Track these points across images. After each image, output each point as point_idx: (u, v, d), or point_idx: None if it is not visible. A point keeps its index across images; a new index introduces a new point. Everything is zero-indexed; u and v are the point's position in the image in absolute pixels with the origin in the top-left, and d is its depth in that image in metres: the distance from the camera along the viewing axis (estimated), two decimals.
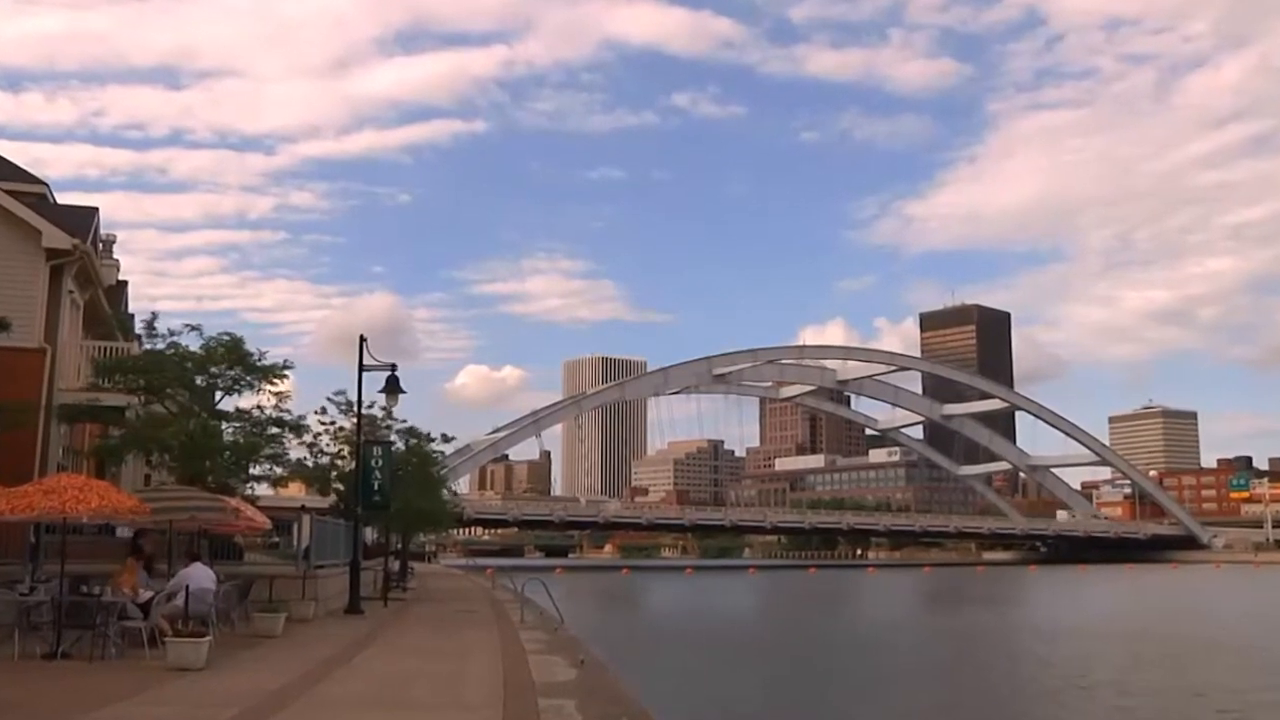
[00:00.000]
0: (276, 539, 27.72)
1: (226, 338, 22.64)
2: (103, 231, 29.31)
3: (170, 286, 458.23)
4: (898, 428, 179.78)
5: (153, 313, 23.88)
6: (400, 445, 35.30)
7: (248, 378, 22.57)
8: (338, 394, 31.85)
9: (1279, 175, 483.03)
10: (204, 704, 10.33)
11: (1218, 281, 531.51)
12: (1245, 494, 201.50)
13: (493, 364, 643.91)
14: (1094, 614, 44.94)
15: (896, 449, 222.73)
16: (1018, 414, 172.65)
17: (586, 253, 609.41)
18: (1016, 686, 22.16)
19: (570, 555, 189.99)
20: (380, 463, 26.37)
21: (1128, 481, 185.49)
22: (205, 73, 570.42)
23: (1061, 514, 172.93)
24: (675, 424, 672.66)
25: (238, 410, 23.22)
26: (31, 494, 13.00)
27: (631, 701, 11.51)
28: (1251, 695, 20.22)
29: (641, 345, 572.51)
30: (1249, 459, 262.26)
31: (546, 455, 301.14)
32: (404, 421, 36.79)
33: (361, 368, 23.43)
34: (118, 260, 33.22)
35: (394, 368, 23.77)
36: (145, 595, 14.58)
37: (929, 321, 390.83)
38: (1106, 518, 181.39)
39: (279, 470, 24.62)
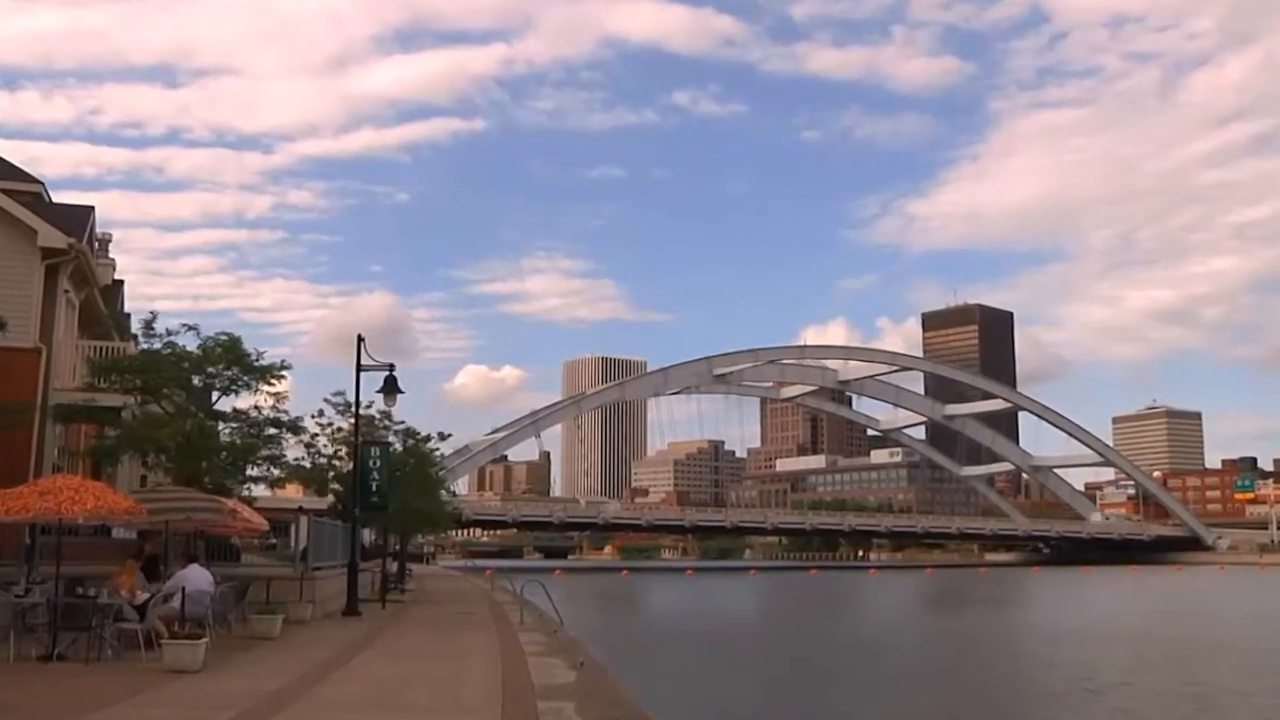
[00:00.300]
0: (274, 540, 27.59)
1: (224, 337, 22.49)
2: (99, 230, 29.19)
3: (167, 286, 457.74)
4: (899, 428, 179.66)
5: (152, 312, 23.73)
6: (398, 446, 35.23)
7: (245, 378, 22.42)
8: (336, 395, 31.79)
9: None
10: (200, 706, 10.29)
11: (1221, 281, 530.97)
12: (1250, 495, 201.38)
13: (492, 364, 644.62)
14: (1097, 616, 44.85)
15: (898, 449, 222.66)
16: (1020, 414, 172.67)
17: (586, 252, 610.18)
18: (1019, 688, 22.07)
19: (570, 557, 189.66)
20: (378, 463, 26.34)
21: (1131, 482, 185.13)
22: (202, 71, 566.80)
23: (1095, 516, 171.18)
24: (675, 424, 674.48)
25: (235, 411, 23.09)
26: (27, 495, 12.94)
27: (631, 704, 11.43)
28: (1256, 698, 20.17)
29: (641, 345, 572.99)
30: (1254, 460, 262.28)
31: (546, 456, 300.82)
32: (402, 422, 36.80)
33: (359, 368, 23.37)
34: (114, 259, 33.08)
35: (392, 368, 23.72)
36: (142, 597, 14.51)
37: (931, 321, 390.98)
38: (1136, 520, 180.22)
39: (276, 471, 24.42)
